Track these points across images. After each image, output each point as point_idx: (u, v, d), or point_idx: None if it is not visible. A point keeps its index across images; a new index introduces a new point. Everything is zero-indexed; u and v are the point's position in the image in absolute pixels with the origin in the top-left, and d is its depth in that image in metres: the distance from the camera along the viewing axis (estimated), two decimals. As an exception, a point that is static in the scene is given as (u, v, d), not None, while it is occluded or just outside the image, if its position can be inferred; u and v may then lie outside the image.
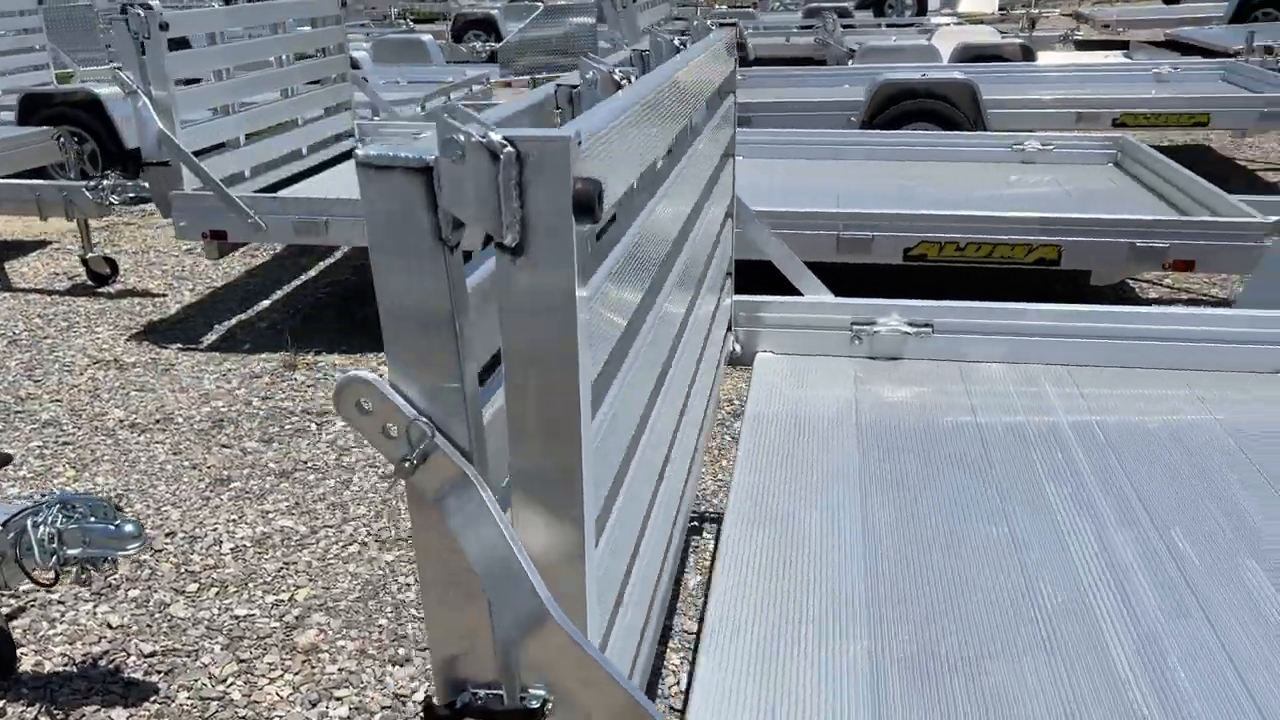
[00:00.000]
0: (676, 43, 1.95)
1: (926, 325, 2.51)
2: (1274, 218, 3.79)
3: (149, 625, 2.68)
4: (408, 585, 2.83)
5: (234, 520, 3.17)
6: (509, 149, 0.94)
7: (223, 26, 4.85)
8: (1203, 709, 1.40)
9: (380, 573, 2.89)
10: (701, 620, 1.88)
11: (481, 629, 1.12)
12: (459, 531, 1.04)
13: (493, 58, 12.84)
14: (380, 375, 1.04)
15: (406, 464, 1.03)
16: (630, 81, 1.48)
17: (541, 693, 1.13)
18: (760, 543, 1.82)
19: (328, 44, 5.54)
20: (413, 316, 1.02)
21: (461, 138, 0.94)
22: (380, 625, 2.66)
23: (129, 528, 2.29)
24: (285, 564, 2.95)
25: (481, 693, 1.14)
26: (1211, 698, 1.42)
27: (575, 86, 1.53)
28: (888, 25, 11.84)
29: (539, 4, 15.95)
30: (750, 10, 14.53)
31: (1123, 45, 11.50)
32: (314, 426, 3.81)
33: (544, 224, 0.96)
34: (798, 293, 2.58)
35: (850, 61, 8.80)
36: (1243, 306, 2.87)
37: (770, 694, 1.44)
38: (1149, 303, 4.84)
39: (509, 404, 1.03)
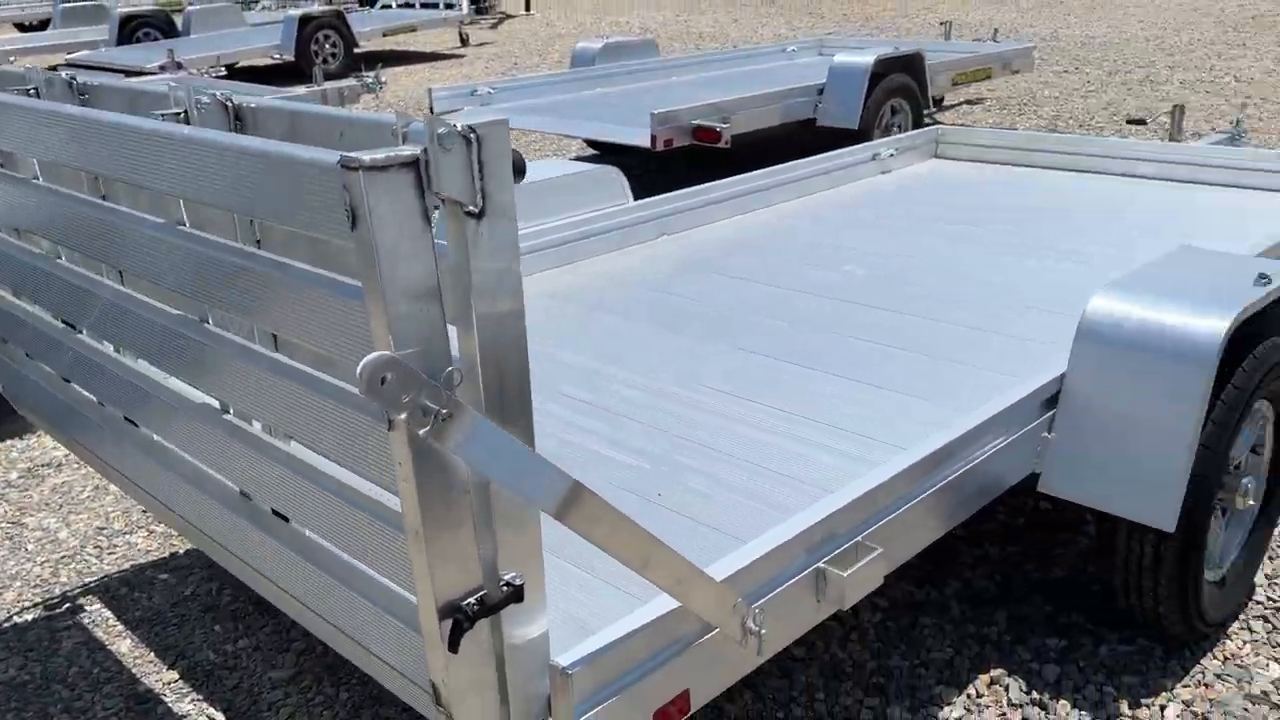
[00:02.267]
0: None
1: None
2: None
3: None
4: None
5: None
6: (474, 134, 1.20)
7: None
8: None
9: None
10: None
11: (469, 548, 1.33)
12: (480, 463, 1.24)
13: None
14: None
15: (437, 420, 1.20)
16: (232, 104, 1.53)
17: (514, 573, 1.39)
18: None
19: None
20: (413, 294, 1.19)
21: (449, 131, 1.17)
22: None
23: None
24: None
25: (472, 599, 1.35)
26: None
27: (179, 113, 1.52)
28: None
29: None
30: None
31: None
32: None
33: (498, 188, 1.24)
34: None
35: None
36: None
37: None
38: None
39: (482, 343, 1.27)
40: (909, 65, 6.42)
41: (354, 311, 1.26)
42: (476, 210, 1.22)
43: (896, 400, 2.38)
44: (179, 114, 1.62)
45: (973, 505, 2.11)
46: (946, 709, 2.27)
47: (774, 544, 1.68)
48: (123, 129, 1.54)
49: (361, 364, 1.15)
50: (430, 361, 1.22)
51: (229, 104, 1.58)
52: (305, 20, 12.11)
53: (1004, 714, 2.25)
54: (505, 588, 1.38)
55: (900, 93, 6.34)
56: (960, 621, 2.54)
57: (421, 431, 1.20)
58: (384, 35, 13.29)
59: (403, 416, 1.20)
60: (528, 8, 19.91)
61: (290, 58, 12.10)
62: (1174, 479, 2.07)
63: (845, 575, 1.74)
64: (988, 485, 2.13)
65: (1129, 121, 7.98)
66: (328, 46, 12.41)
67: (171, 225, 1.56)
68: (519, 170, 1.27)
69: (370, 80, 8.53)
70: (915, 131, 5.06)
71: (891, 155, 4.82)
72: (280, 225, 1.29)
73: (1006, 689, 2.31)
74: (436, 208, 1.21)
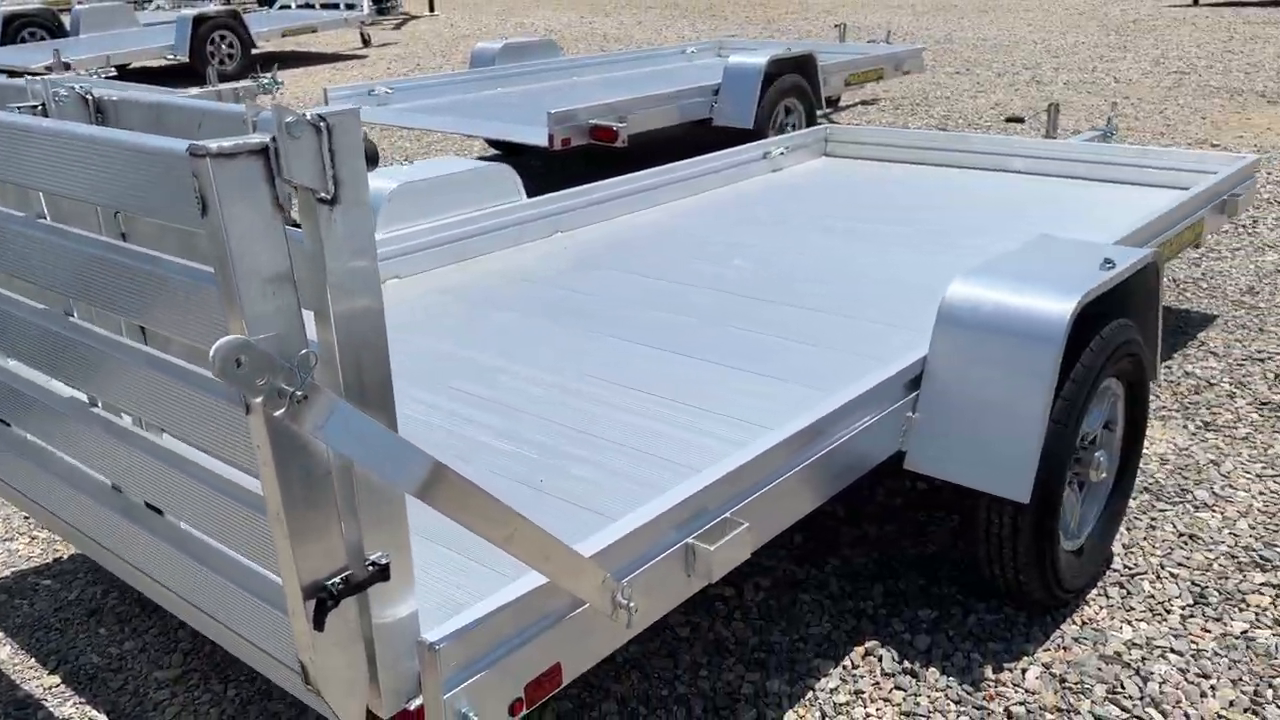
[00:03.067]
0: None
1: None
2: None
3: None
4: None
5: None
6: (324, 122, 1.23)
7: None
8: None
9: None
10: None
11: (333, 529, 1.36)
12: (339, 444, 1.28)
13: None
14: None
15: (294, 400, 1.23)
16: (92, 97, 1.53)
17: (380, 554, 1.43)
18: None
19: None
20: (265, 279, 1.22)
21: (297, 119, 1.20)
22: None
23: None
24: None
25: (337, 579, 1.38)
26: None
27: (37, 106, 1.51)
28: None
29: None
30: None
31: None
32: None
33: (350, 175, 1.27)
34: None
35: None
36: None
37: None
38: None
39: (339, 329, 1.30)
40: (801, 66, 6.58)
41: (209, 298, 1.28)
42: (329, 197, 1.26)
43: (778, 387, 2.47)
44: (36, 107, 1.61)
45: (841, 481, 2.20)
46: (824, 680, 2.36)
47: (640, 521, 1.74)
48: (-22, 122, 1.53)
49: (214, 348, 1.18)
50: (286, 346, 1.26)
51: (89, 97, 1.58)
52: (200, 20, 11.85)
53: (877, 683, 2.35)
54: (371, 567, 1.42)
55: (793, 93, 6.49)
56: (839, 597, 2.64)
57: (277, 413, 1.24)
58: (283, 36, 13.08)
59: (258, 399, 1.23)
60: (431, 8, 19.77)
61: (184, 59, 11.84)
62: (1027, 453, 2.19)
63: (713, 550, 1.82)
64: (854, 463, 2.23)
65: (1008, 120, 8.27)
66: (224, 47, 12.17)
67: (31, 219, 1.55)
68: (371, 159, 1.32)
69: (266, 81, 8.40)
70: (805, 131, 5.19)
71: (782, 154, 4.94)
72: (136, 215, 1.31)
73: (880, 659, 2.42)
74: (288, 195, 1.24)
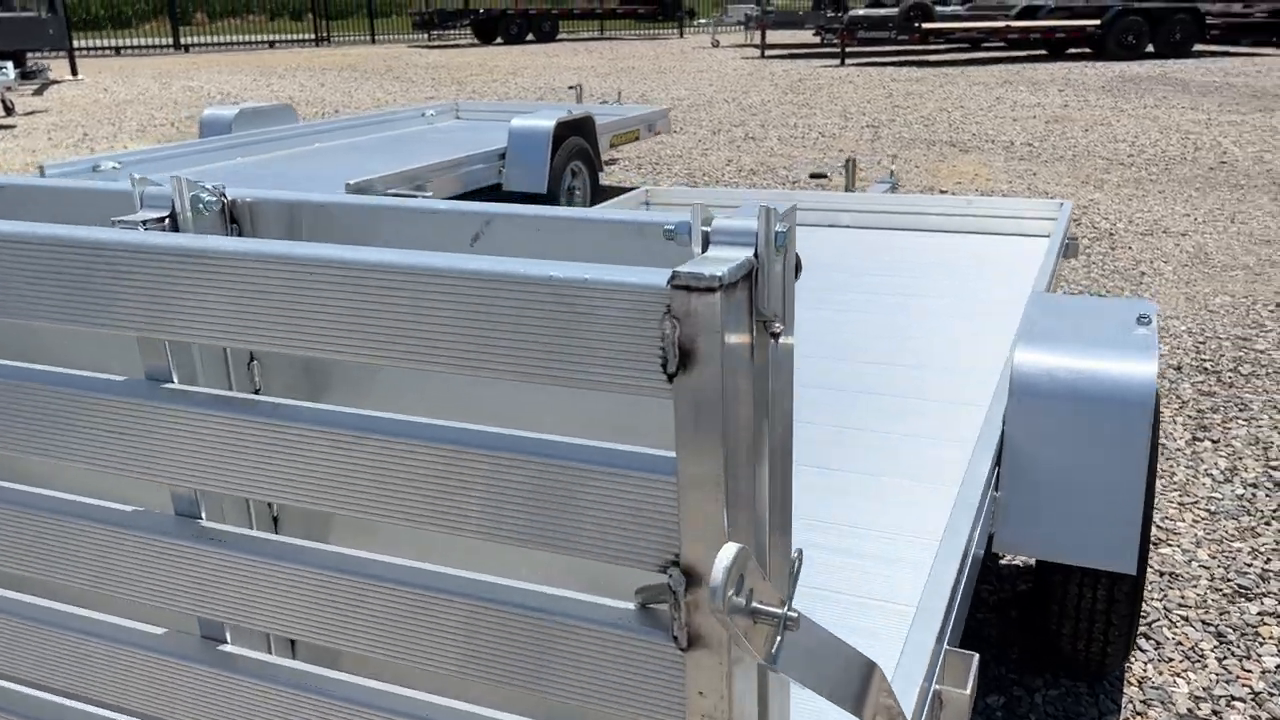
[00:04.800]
0: None
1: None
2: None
3: None
4: None
5: None
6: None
7: None
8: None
9: None
10: None
11: (749, 780, 0.98)
12: (798, 669, 0.91)
13: None
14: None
15: (783, 625, 0.85)
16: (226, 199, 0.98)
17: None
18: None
19: None
20: (745, 456, 0.84)
21: (787, 229, 0.84)
22: None
23: None
24: None
25: None
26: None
27: (164, 218, 0.97)
28: None
29: None
30: None
31: None
32: None
33: (791, 298, 0.92)
34: None
35: None
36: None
37: None
38: None
39: (773, 473, 0.93)
40: (582, 128, 6.43)
41: (651, 490, 0.87)
42: (779, 329, 0.90)
43: (863, 482, 2.20)
44: (164, 219, 1.04)
45: (974, 580, 2.01)
46: (940, 798, 2.15)
47: (906, 676, 1.46)
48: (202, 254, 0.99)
49: (717, 567, 0.79)
50: (756, 547, 0.88)
51: (224, 200, 1.05)
52: None
53: (992, 789, 2.17)
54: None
55: (579, 155, 6.33)
56: (898, 697, 2.44)
57: (773, 648, 0.86)
58: (-93, 104, 11.14)
59: (739, 627, 0.85)
60: (74, 72, 17.79)
61: None
62: (1132, 522, 2.11)
63: (967, 693, 1.56)
64: (979, 555, 2.05)
65: (812, 176, 8.57)
66: None
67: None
68: (798, 271, 0.97)
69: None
70: (628, 194, 5.02)
71: (615, 218, 4.74)
72: (516, 379, 0.87)
73: (984, 761, 2.24)
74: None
